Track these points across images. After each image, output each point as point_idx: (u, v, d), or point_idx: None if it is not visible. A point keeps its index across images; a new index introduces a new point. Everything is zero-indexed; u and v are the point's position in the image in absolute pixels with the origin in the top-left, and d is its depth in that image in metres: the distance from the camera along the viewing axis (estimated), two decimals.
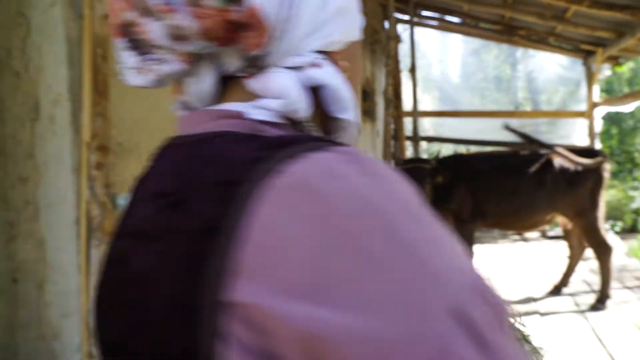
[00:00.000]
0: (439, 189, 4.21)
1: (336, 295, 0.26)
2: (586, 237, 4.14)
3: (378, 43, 7.81)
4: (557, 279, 4.52)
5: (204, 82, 0.40)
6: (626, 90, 9.38)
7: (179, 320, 0.29)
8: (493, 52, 15.54)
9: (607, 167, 4.13)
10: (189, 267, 0.29)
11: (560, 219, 4.32)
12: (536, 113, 8.38)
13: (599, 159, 4.10)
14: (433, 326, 0.25)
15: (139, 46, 0.38)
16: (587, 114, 7.26)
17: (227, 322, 0.27)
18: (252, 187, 0.29)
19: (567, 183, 4.07)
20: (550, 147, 4.45)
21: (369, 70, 7.42)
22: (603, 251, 4.04)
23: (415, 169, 4.33)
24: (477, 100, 16.95)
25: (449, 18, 8.25)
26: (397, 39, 8.90)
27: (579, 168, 4.06)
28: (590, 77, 7.50)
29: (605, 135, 9.24)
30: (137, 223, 0.37)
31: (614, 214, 7.83)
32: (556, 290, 4.49)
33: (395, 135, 8.84)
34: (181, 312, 0.29)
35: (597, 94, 7.53)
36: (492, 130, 9.32)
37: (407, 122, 8.83)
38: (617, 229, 7.75)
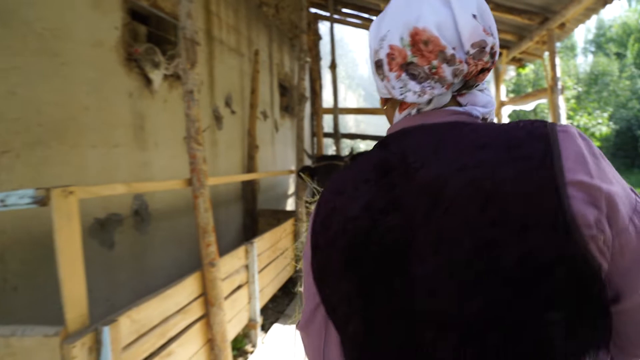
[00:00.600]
0: None
1: (609, 178, 0.57)
2: None
3: (297, 38, 7.67)
4: None
5: (447, 96, 0.68)
6: (530, 90, 10.08)
7: (547, 195, 0.53)
8: None
9: None
10: (543, 175, 0.54)
11: None
12: None
13: None
14: (632, 197, 0.59)
15: (416, 78, 0.65)
16: (495, 112, 7.68)
17: (571, 190, 0.54)
18: (556, 134, 0.58)
19: None
20: None
21: (288, 65, 7.28)
22: None
23: (329, 167, 4.27)
24: None
25: (368, 16, 8.33)
26: (315, 34, 8.86)
27: None
28: (497, 78, 7.96)
29: None
30: (475, 164, 0.57)
31: None
32: None
33: (313, 132, 8.80)
34: (547, 192, 0.53)
35: (504, 94, 8.00)
36: None
37: (330, 119, 8.84)
38: None
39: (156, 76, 3.29)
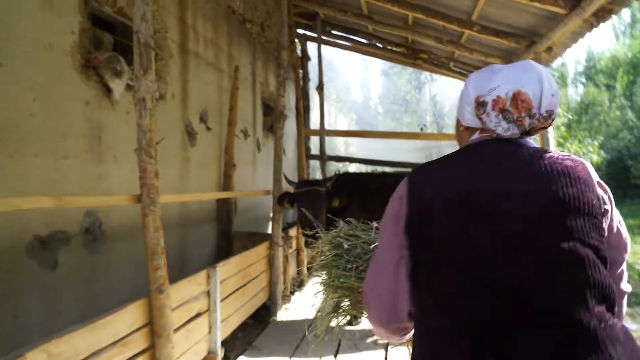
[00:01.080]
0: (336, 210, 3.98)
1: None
2: None
3: None
4: None
5: (519, 133, 1.03)
6: None
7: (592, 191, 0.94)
8: (404, 77, 16.25)
9: None
10: (592, 183, 0.97)
11: None
12: (440, 135, 8.67)
13: None
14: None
15: (506, 120, 1.00)
16: None
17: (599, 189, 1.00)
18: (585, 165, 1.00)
19: None
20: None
21: (273, 85, 7.14)
22: None
23: (309, 193, 4.05)
24: (392, 123, 17.59)
25: (356, 38, 8.28)
26: (304, 55, 8.78)
27: None
28: None
29: None
30: (539, 173, 0.94)
31: None
32: None
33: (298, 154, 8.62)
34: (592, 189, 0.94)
35: None
36: (403, 152, 9.50)
37: (314, 140, 8.67)
38: None
39: (117, 85, 3.09)
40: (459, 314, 0.89)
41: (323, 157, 7.73)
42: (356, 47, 8.67)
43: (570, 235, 0.88)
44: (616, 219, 1.03)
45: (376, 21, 6.65)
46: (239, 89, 5.03)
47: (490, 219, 0.90)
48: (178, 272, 3.55)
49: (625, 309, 1.10)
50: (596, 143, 10.94)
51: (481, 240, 0.90)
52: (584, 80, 23.26)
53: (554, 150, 1.02)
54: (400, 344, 1.35)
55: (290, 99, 8.14)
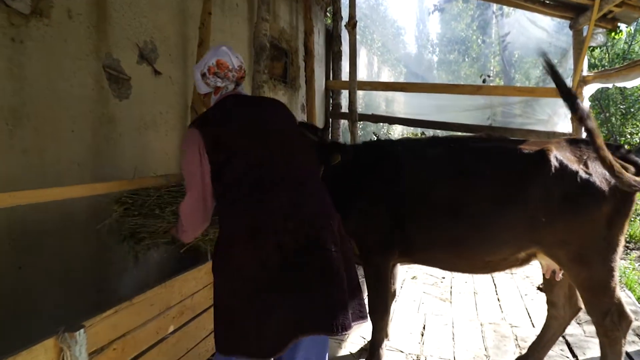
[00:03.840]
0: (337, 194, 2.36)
1: None
2: (587, 298, 2.30)
3: None
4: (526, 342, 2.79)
5: (232, 86, 1.97)
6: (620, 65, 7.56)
7: None
8: (464, 19, 13.36)
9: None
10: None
11: (544, 261, 2.47)
12: (507, 89, 6.60)
13: None
14: None
15: (220, 77, 1.86)
16: (577, 91, 5.44)
17: None
18: None
19: (567, 201, 2.20)
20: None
21: (286, 20, 5.35)
22: (612, 326, 2.22)
23: None
24: (448, 77, 15.10)
25: None
26: None
27: (598, 179, 2.17)
28: (578, 45, 5.71)
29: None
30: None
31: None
32: None
33: (326, 110, 6.89)
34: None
35: (586, 68, 5.74)
36: (459, 111, 7.54)
37: (345, 95, 6.88)
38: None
39: None
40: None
41: (352, 116, 5.95)
42: None
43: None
44: None
45: None
46: (211, 14, 3.35)
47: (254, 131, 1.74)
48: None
49: None
50: None
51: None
52: None
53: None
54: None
55: (319, 38, 6.35)
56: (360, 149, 2.79)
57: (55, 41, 2.28)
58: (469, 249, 2.49)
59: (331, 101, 7.30)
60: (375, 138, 7.90)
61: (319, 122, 6.64)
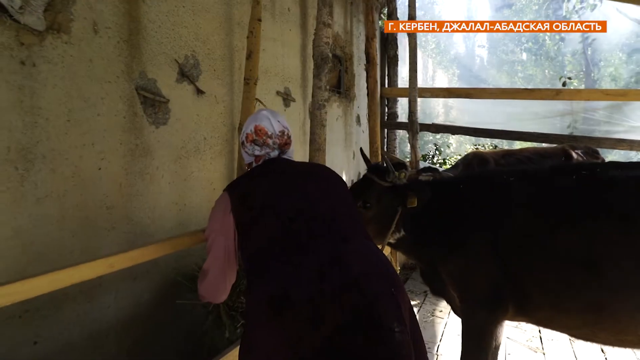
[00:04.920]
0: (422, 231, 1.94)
1: None
2: None
3: None
4: None
5: (276, 152, 1.64)
6: None
7: None
8: (530, 8, 11.81)
9: None
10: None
11: None
12: (593, 92, 5.73)
13: None
14: None
15: (258, 145, 1.60)
16: None
17: None
18: None
19: None
20: None
21: (340, 24, 4.85)
22: None
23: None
24: (506, 78, 13.92)
25: None
26: None
27: None
28: None
29: None
30: None
31: None
32: None
33: (382, 121, 6.32)
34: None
35: None
36: (530, 119, 6.71)
37: (403, 104, 6.26)
38: None
39: None
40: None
41: (413, 127, 5.33)
42: None
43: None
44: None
45: None
46: (260, 21, 2.88)
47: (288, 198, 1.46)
48: None
49: None
50: None
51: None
52: None
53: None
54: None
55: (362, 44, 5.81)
56: (457, 184, 2.26)
57: (77, 62, 1.87)
58: (616, 317, 1.86)
59: (386, 110, 6.72)
60: (435, 149, 7.22)
61: (380, 136, 6.07)
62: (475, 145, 7.60)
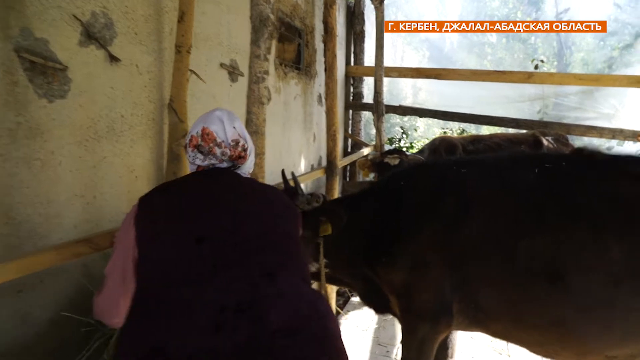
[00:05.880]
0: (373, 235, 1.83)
1: None
2: None
3: None
4: None
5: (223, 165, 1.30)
6: None
7: None
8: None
9: None
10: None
11: None
12: (566, 77, 5.50)
13: None
14: None
15: (203, 153, 1.25)
16: None
17: None
18: None
19: None
20: None
21: None
22: None
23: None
24: (478, 60, 13.74)
25: None
26: None
27: None
28: None
29: None
30: None
31: None
32: None
33: (346, 103, 5.95)
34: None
35: None
36: (501, 102, 6.47)
37: (370, 84, 5.87)
38: None
39: None
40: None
41: (379, 109, 4.96)
42: None
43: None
44: None
45: None
46: None
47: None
48: None
49: None
50: None
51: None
52: None
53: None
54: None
55: (339, 14, 5.35)
56: (398, 180, 1.94)
57: None
58: (581, 337, 1.61)
59: (352, 90, 6.33)
60: (402, 132, 6.91)
61: (340, 118, 5.68)
62: (444, 129, 7.35)
